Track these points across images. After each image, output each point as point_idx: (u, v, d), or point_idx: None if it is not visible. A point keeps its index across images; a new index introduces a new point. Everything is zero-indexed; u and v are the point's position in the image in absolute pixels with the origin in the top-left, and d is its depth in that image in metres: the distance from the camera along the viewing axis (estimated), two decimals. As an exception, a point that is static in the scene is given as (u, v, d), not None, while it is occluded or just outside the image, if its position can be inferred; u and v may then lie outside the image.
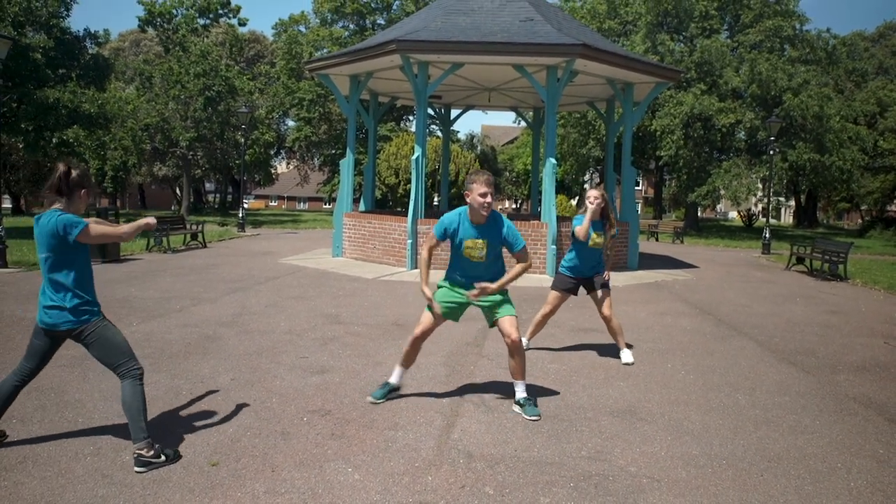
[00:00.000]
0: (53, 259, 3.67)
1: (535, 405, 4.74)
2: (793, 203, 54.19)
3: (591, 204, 5.99)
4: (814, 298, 11.18)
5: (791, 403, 5.16)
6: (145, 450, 3.64)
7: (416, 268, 12.84)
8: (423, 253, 4.67)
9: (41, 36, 19.52)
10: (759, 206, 50.86)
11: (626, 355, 6.30)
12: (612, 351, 6.61)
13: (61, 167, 3.71)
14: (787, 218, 68.94)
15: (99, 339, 3.77)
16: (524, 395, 4.76)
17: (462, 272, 4.74)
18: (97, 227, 3.75)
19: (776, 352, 6.99)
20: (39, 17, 19.85)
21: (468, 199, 4.54)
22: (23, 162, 37.01)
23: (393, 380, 4.95)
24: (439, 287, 4.84)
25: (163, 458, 3.69)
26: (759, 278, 14.00)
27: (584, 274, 6.28)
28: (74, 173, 3.70)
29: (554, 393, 5.24)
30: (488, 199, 4.46)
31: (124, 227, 3.87)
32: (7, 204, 43.28)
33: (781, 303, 10.54)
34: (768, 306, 10.12)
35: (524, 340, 6.65)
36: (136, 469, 3.59)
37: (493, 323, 4.77)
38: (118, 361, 3.79)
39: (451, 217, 4.67)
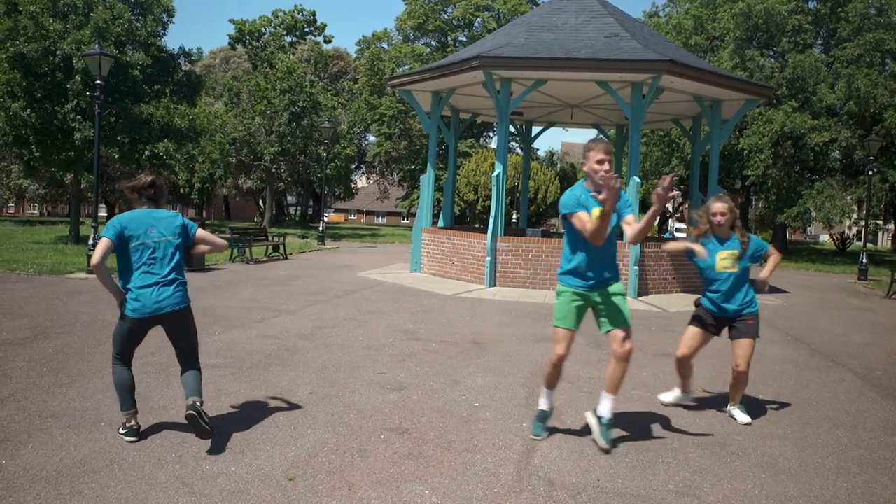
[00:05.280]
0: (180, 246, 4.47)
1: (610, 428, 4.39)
2: (892, 226, 51.29)
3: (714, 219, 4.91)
4: (918, 329, 10.44)
5: (900, 444, 4.77)
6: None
7: (494, 285, 12.72)
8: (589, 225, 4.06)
9: (140, 54, 20.52)
10: (854, 229, 48.35)
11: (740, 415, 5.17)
12: (700, 378, 6.31)
13: (149, 178, 4.36)
14: (884, 242, 65.25)
15: (192, 321, 4.46)
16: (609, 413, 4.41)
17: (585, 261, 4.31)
18: None
19: (879, 386, 6.51)
20: (139, 36, 20.90)
21: (585, 168, 4.25)
22: (118, 173, 38.96)
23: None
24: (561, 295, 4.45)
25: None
26: (856, 306, 13.21)
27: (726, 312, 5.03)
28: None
29: (638, 421, 5.01)
30: (605, 165, 4.12)
31: None
32: (103, 212, 45.61)
33: (882, 333, 9.88)
34: (867, 336, 9.49)
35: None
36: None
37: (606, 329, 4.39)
38: (197, 344, 4.46)
39: (573, 194, 4.24)
